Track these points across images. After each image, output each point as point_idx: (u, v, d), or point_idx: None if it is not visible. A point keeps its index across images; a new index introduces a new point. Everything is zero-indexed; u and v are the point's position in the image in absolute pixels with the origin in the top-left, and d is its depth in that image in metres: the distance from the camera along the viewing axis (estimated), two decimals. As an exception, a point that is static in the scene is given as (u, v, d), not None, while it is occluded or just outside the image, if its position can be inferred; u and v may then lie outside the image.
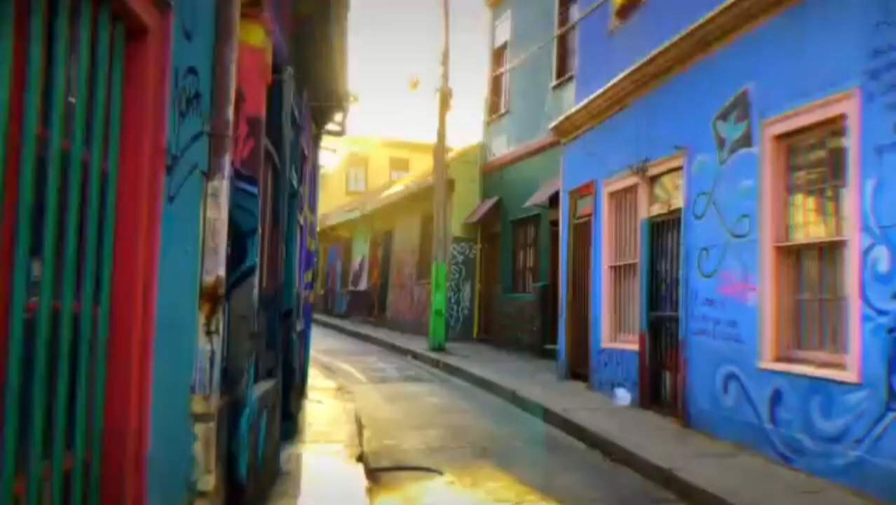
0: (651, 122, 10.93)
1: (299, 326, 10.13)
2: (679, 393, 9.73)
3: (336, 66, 9.88)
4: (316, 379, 13.14)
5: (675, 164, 10.18)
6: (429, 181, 23.19)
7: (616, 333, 11.94)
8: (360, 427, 9.34)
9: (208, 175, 3.61)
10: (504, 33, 20.83)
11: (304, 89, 9.78)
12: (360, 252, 30.92)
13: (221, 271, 3.63)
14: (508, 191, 19.49)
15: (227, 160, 3.65)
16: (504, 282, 19.37)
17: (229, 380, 5.16)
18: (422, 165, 32.57)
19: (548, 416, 10.67)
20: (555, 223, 16.70)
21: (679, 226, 9.99)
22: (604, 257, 12.22)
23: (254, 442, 5.88)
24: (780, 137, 8.14)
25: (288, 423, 8.49)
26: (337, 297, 32.89)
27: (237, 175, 5.35)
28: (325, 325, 28.36)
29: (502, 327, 18.85)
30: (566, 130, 13.89)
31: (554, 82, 17.50)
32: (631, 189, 11.49)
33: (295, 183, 8.98)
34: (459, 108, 48.26)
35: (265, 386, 6.64)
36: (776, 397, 7.73)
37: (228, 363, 5.20)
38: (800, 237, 7.93)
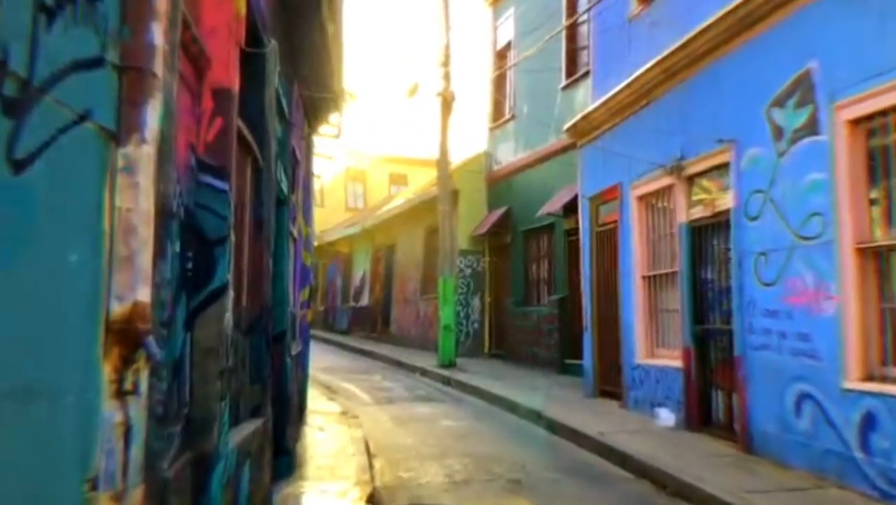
0: (686, 116, 9.50)
1: (295, 348, 8.66)
2: (737, 414, 8.27)
3: (331, 55, 8.44)
4: (317, 402, 11.66)
5: (719, 160, 8.74)
6: (432, 192, 21.75)
7: (653, 348, 10.46)
8: (369, 457, 7.90)
9: (118, 137, 2.14)
10: (507, 33, 19.40)
11: (294, 81, 8.33)
12: (361, 267, 29.43)
13: (144, 294, 2.15)
14: (518, 200, 18.03)
15: (150, 113, 2.18)
16: (516, 295, 17.88)
17: (193, 432, 3.78)
18: (421, 181, 31.21)
19: (581, 440, 9.20)
20: (571, 232, 15.27)
21: (726, 229, 8.55)
22: (635, 267, 10.75)
23: (232, 499, 4.44)
24: (856, 122, 6.73)
25: (284, 458, 7.06)
26: (338, 313, 31.36)
27: (201, 166, 3.91)
28: (326, 341, 26.83)
29: (516, 342, 17.35)
30: (583, 131, 12.45)
31: (564, 82, 16.07)
32: (665, 191, 10.05)
33: (284, 187, 7.51)
34: (459, 117, 46.59)
35: (248, 428, 5.22)
36: (868, 422, 6.28)
37: (192, 411, 3.79)
38: (885, 237, 6.47)
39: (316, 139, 11.73)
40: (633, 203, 10.84)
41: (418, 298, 22.66)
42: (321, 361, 19.61)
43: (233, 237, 4.29)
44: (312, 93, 9.06)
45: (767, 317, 7.64)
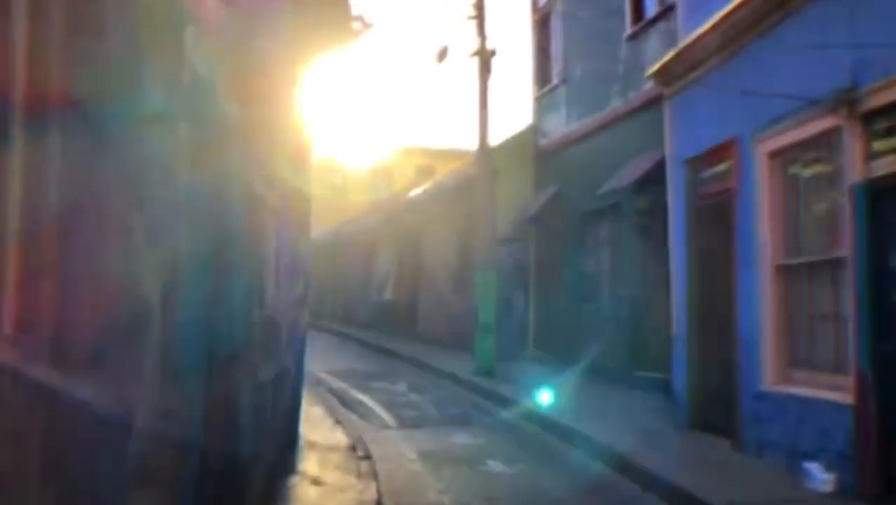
0: (860, 21, 6.26)
1: (269, 370, 5.49)
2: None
3: None
4: (318, 427, 8.56)
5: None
6: (466, 174, 18.56)
7: (790, 370, 7.23)
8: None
9: None
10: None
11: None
12: (385, 258, 26.27)
13: None
14: (571, 178, 14.78)
15: None
16: (569, 290, 14.60)
17: None
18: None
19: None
20: (644, 213, 12.01)
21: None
22: (763, 252, 7.51)
23: None
24: None
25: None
26: (359, 307, 28.21)
27: None
28: (346, 336, 23.76)
29: (568, 347, 14.07)
30: (675, 74, 9.20)
31: (629, 30, 12.80)
32: (820, 139, 6.81)
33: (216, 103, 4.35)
34: (498, 88, 43.12)
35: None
36: None
37: None
38: None
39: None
40: (760, 162, 7.59)
41: (450, 292, 19.47)
42: (337, 362, 16.54)
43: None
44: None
45: None
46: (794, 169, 7.33)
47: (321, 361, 16.28)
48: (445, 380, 13.85)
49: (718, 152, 8.35)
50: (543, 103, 16.40)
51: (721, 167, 8.42)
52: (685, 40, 8.72)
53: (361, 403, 10.87)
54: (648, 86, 11.96)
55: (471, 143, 16.11)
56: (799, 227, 7.25)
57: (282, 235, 5.96)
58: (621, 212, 12.78)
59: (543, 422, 9.66)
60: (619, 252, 13.06)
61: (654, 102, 11.62)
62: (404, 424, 9.59)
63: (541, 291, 16.09)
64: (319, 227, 35.78)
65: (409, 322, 22.61)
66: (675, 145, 9.37)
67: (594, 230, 14.12)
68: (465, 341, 16.44)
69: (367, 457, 7.08)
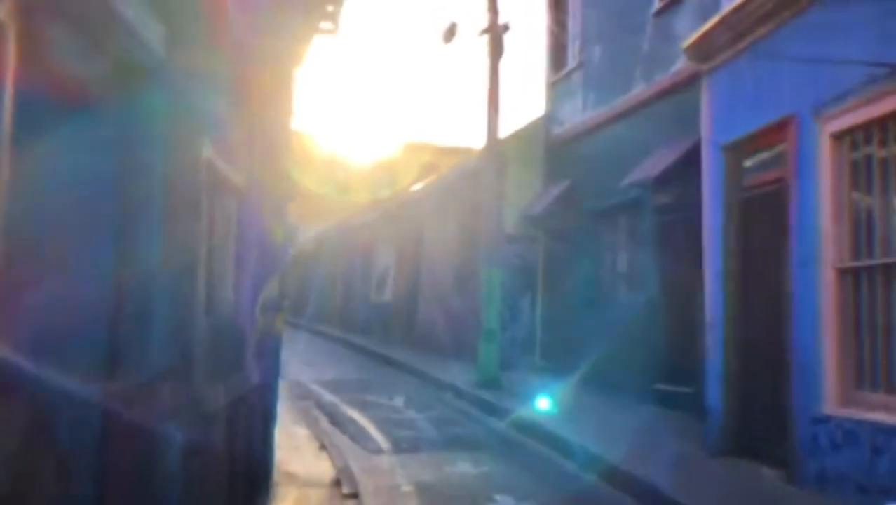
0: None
1: (226, 393, 4.35)
2: None
3: None
4: (301, 452, 7.47)
5: None
6: (470, 167, 17.45)
7: (859, 391, 6.11)
8: None
9: None
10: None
11: None
12: (383, 258, 25.12)
13: None
14: (586, 171, 13.65)
15: None
16: (581, 294, 13.45)
17: None
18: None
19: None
20: (666, 209, 10.92)
21: None
22: (825, 252, 6.39)
23: None
24: None
25: None
26: (355, 309, 27.04)
27: None
28: (341, 341, 22.66)
29: (580, 357, 12.91)
30: (716, 46, 8.07)
31: (657, 5, 11.67)
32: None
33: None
34: (509, 73, 42.27)
35: None
36: None
37: None
38: None
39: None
40: (822, 145, 6.47)
41: (451, 294, 18.32)
42: (330, 369, 15.46)
43: None
44: None
45: None
46: (865, 152, 6.21)
47: (313, 368, 15.19)
48: (446, 392, 12.72)
49: (768, 135, 7.23)
50: (557, 90, 15.26)
51: (771, 153, 7.30)
52: (731, 3, 7.58)
53: (353, 422, 9.75)
54: (677, 66, 10.86)
55: (476, 141, 15.09)
56: (871, 223, 6.13)
57: (248, 223, 4.84)
58: (642, 208, 11.65)
59: (557, 444, 8.54)
60: (639, 252, 11.92)
61: (683, 85, 10.53)
62: (400, 447, 8.45)
63: (549, 295, 14.94)
64: (320, 226, 34.83)
65: (408, 325, 21.48)
66: (713, 129, 8.24)
67: (610, 228, 12.98)
68: (466, 347, 15.33)
69: (354, 495, 5.94)
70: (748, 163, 7.66)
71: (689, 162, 9.87)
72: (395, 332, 22.09)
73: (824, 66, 6.34)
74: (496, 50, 13.24)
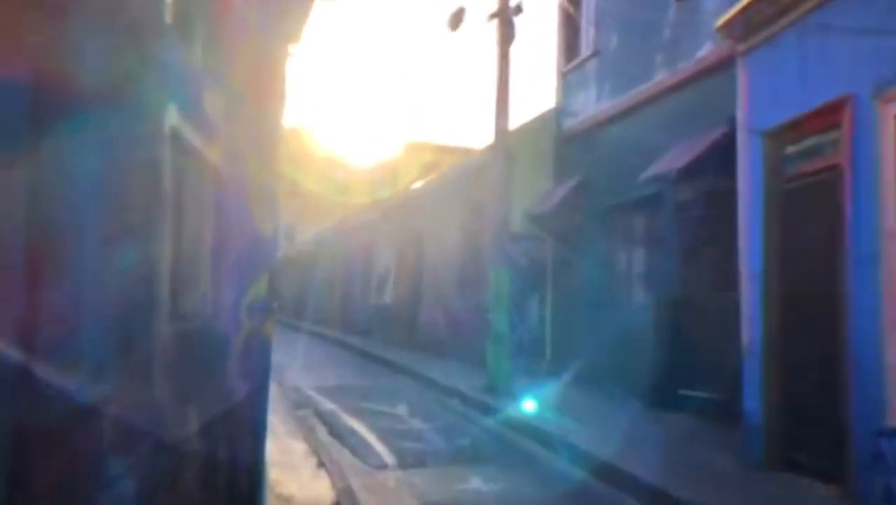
0: None
1: (200, 414, 3.57)
2: None
3: None
4: (297, 470, 6.72)
5: None
6: (475, 163, 16.70)
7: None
8: None
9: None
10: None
11: None
12: (383, 258, 24.34)
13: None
14: (599, 166, 12.90)
15: None
16: (594, 294, 12.69)
17: None
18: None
19: None
20: (688, 205, 10.19)
21: None
22: (889, 247, 5.62)
23: None
24: None
25: None
26: (355, 311, 26.25)
27: None
28: (342, 344, 21.89)
29: (593, 360, 12.16)
30: (756, 22, 7.31)
31: (682, -11, 10.93)
32: None
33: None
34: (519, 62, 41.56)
35: None
36: None
37: None
38: None
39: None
40: (884, 128, 5.71)
41: (455, 295, 17.56)
42: (330, 373, 14.71)
43: None
44: None
45: None
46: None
47: (312, 373, 14.43)
48: (452, 398, 11.95)
49: (818, 119, 6.47)
50: (569, 80, 14.50)
51: (821, 138, 6.54)
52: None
53: (354, 433, 8.98)
54: (703, 53, 10.13)
55: (478, 140, 14.31)
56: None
57: (230, 211, 4.08)
58: (662, 203, 10.89)
59: (578, 457, 7.77)
60: (658, 250, 11.16)
61: (710, 72, 9.82)
62: (405, 461, 7.69)
63: (559, 295, 14.18)
64: (319, 227, 34.07)
65: (410, 328, 20.72)
66: (751, 114, 7.49)
67: (626, 225, 12.22)
68: (471, 349, 14.59)
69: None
70: (794, 150, 6.90)
71: (718, 153, 9.16)
72: (397, 334, 21.33)
73: (887, 39, 5.59)
74: (506, 35, 12.47)
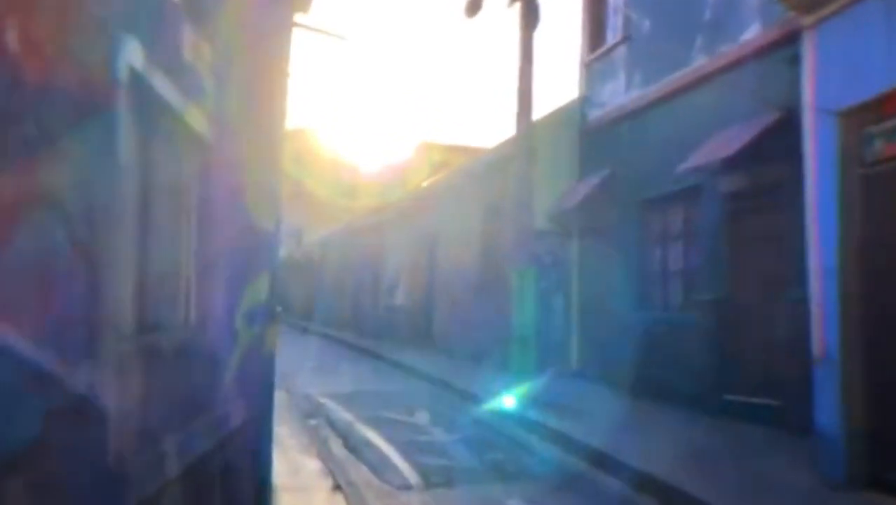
0: None
1: (181, 454, 2.60)
2: None
3: None
4: (311, 493, 5.79)
5: None
6: (493, 158, 15.78)
7: None
8: None
9: None
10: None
11: None
12: (395, 259, 23.43)
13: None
14: (630, 157, 11.95)
15: None
16: (624, 294, 11.74)
17: None
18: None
19: None
20: (738, 196, 9.25)
21: None
22: None
23: None
24: None
25: None
26: (366, 313, 25.33)
27: None
28: (353, 347, 21.01)
29: (626, 363, 11.22)
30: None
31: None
32: None
33: None
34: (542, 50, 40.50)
35: None
36: None
37: None
38: None
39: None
40: None
41: (472, 296, 16.64)
42: (342, 378, 13.84)
43: None
44: None
45: None
46: None
47: (323, 378, 13.56)
48: (475, 405, 11.01)
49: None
50: (594, 69, 13.55)
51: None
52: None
53: (371, 446, 8.07)
54: (750, 35, 9.21)
55: (489, 140, 13.34)
56: None
57: (219, 193, 3.16)
58: (703, 196, 9.95)
59: (626, 473, 6.84)
60: (699, 247, 10.22)
61: (759, 54, 8.95)
62: (430, 480, 6.78)
63: (586, 295, 13.24)
64: (327, 230, 33.17)
65: (424, 330, 19.82)
66: (821, 94, 6.54)
67: (661, 220, 11.29)
68: (489, 352, 13.70)
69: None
70: (876, 130, 5.95)
71: (771, 140, 8.25)
72: (410, 336, 20.42)
73: None
74: (529, 19, 11.54)
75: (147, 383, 2.38)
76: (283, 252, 32.68)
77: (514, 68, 11.87)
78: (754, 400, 8.62)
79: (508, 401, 10.26)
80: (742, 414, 8.74)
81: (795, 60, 8.40)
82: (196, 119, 2.91)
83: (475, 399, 11.14)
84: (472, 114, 61.00)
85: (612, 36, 13.05)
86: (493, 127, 48.04)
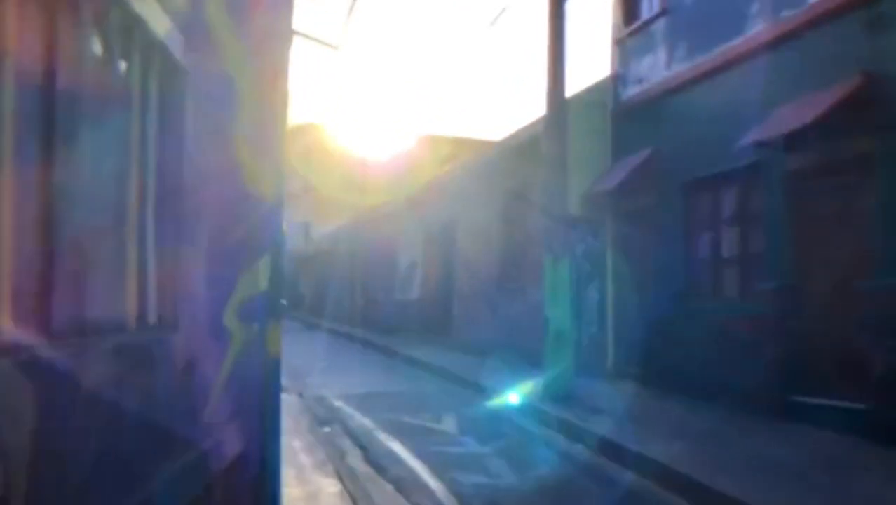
0: None
1: None
2: None
3: None
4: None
5: None
6: (517, 141, 14.63)
7: None
8: None
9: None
10: None
11: None
12: (410, 251, 22.33)
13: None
14: (674, 136, 10.79)
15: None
16: (668, 283, 10.59)
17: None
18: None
19: None
20: (809, 174, 8.11)
21: None
22: None
23: None
24: None
25: None
26: (380, 307, 24.20)
27: None
28: (364, 343, 19.93)
29: (671, 360, 10.07)
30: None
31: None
32: None
33: None
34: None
35: None
36: None
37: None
38: None
39: None
40: None
41: (494, 289, 15.53)
42: (356, 378, 12.78)
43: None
44: None
45: None
46: None
47: (336, 377, 12.44)
48: (503, 403, 9.89)
49: None
50: (629, 45, 12.36)
51: None
52: None
53: (396, 460, 6.94)
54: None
55: (495, 134, 12.16)
56: None
57: (199, 148, 2.05)
58: (764, 174, 8.79)
59: (691, 490, 5.71)
60: (757, 231, 9.08)
61: (831, 17, 7.83)
62: None
63: (623, 287, 12.08)
64: (334, 224, 32.12)
65: (441, 324, 18.70)
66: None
67: (712, 203, 10.12)
68: (516, 348, 12.57)
69: None
70: None
71: (850, 111, 7.14)
72: (426, 331, 19.30)
73: None
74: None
75: (90, 427, 1.30)
76: (291, 246, 31.67)
77: (542, 45, 10.77)
78: (830, 402, 7.49)
79: (541, 402, 9.14)
80: (812, 418, 7.60)
81: (879, 21, 7.32)
82: (156, 19, 1.84)
83: (507, 401, 10.01)
84: (474, 108, 59.85)
85: (649, 9, 11.88)
86: (498, 120, 46.79)
